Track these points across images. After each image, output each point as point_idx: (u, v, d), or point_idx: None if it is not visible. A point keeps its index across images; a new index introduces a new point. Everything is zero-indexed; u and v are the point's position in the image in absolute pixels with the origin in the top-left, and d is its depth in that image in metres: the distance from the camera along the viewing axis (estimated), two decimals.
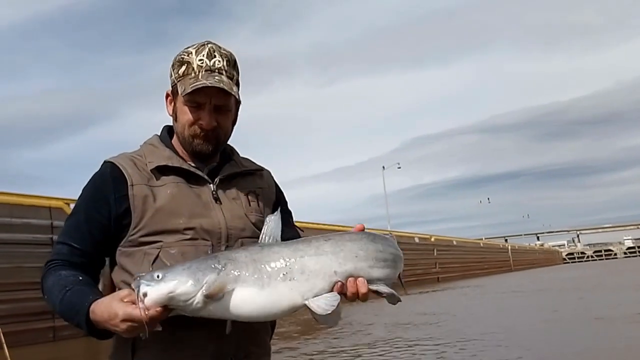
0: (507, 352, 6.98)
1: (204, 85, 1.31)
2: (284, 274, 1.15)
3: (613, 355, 6.31)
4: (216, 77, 1.33)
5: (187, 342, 1.28)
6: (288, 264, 1.16)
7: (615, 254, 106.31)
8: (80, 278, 1.29)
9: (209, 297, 1.12)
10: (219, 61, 1.35)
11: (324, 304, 1.14)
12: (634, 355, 6.25)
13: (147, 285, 1.10)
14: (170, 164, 1.36)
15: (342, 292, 1.19)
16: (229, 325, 1.23)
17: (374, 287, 1.22)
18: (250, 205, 1.43)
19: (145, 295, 1.10)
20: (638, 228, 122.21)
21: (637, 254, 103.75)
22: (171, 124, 1.47)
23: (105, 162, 1.39)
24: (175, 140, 1.45)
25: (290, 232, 1.45)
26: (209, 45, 1.37)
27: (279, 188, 1.57)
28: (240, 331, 1.29)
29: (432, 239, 39.65)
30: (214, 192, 1.38)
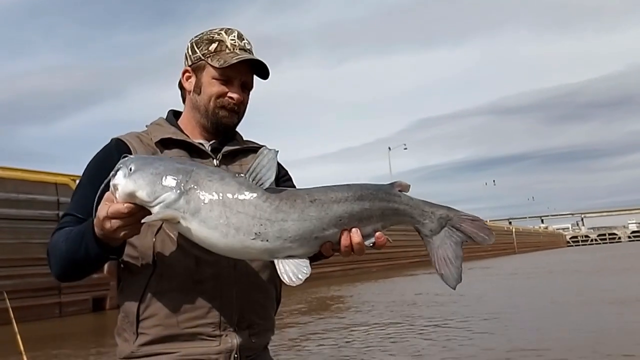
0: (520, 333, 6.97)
1: (250, 58, 1.40)
2: (256, 234, 1.06)
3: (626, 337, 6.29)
4: (250, 55, 1.42)
5: (189, 310, 1.29)
6: (264, 225, 1.06)
7: (620, 238, 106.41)
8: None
9: (165, 220, 1.10)
10: (248, 44, 1.46)
11: (293, 270, 1.07)
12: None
13: (121, 175, 1.10)
14: (174, 137, 1.41)
15: (333, 250, 1.14)
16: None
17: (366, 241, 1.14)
18: None
19: (116, 188, 1.10)
20: None
21: None
22: (175, 108, 1.52)
23: (112, 139, 1.44)
24: (182, 121, 1.49)
25: None
26: (235, 30, 1.46)
27: (282, 166, 1.57)
28: (245, 302, 1.32)
29: None
30: (216, 167, 1.41)
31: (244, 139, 1.56)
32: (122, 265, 1.36)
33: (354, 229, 1.13)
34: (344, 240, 1.13)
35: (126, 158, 1.14)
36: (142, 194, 1.08)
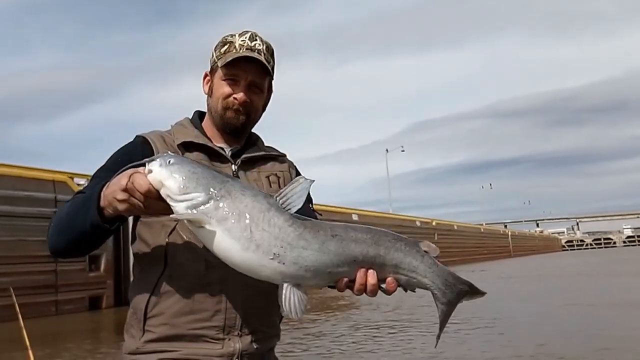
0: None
1: (241, 55, 1.39)
2: (275, 254, 1.08)
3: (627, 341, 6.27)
4: (255, 54, 1.41)
5: (196, 311, 1.31)
6: (284, 247, 1.09)
7: (615, 243, 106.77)
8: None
9: (189, 221, 1.11)
10: (259, 44, 1.44)
11: (295, 302, 1.09)
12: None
13: (158, 164, 1.12)
14: (195, 141, 1.42)
15: (347, 287, 1.15)
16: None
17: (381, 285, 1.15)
18: (271, 187, 1.47)
19: (150, 171, 1.12)
20: (638, 217, 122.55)
21: (637, 243, 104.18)
22: (201, 109, 1.54)
23: (137, 136, 1.46)
24: (205, 123, 1.51)
25: (311, 215, 1.48)
26: (251, 31, 1.46)
27: (299, 173, 1.60)
28: (250, 308, 1.34)
29: (434, 223, 39.81)
30: (234, 172, 1.42)
31: (266, 144, 1.57)
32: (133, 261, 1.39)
33: (370, 270, 1.14)
34: (360, 279, 1.14)
35: (166, 153, 1.17)
36: (173, 185, 1.09)
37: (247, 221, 1.08)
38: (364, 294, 1.16)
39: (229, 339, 1.32)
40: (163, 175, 1.10)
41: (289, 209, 1.12)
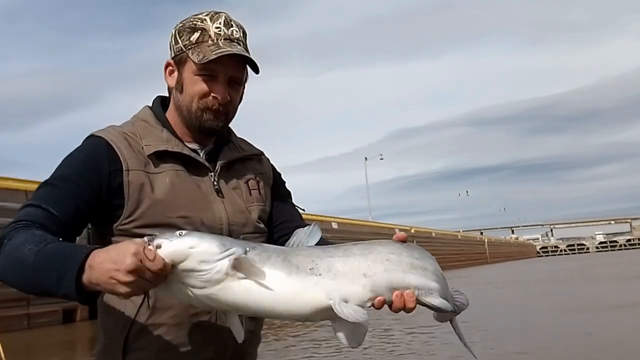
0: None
1: (229, 52, 1.22)
2: (310, 269, 1.08)
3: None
4: (238, 47, 1.25)
5: (183, 345, 1.21)
6: (315, 261, 1.10)
7: (588, 248, 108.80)
8: (63, 241, 1.09)
9: (235, 269, 1.01)
10: (237, 31, 1.27)
11: (351, 310, 1.06)
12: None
13: (167, 239, 0.99)
14: (170, 149, 1.25)
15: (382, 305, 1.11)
16: (239, 330, 1.13)
17: (424, 300, 1.15)
18: (251, 194, 1.36)
19: (159, 247, 0.98)
20: (609, 223, 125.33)
21: (609, 248, 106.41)
22: (163, 94, 1.37)
23: (95, 136, 1.25)
24: (170, 114, 1.33)
25: (292, 211, 1.45)
26: (223, 14, 1.28)
27: (276, 170, 1.50)
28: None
29: (412, 231, 40.09)
30: (215, 183, 1.30)
31: (237, 136, 1.43)
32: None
33: (407, 292, 1.11)
34: (397, 302, 1.11)
35: (167, 232, 1.03)
36: (210, 246, 1.02)
37: (283, 254, 1.09)
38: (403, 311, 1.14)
39: None
40: (187, 243, 1.00)
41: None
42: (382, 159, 46.13)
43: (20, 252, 1.04)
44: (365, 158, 44.74)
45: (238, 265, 1.01)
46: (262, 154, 1.46)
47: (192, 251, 1.00)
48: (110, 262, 0.96)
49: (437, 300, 1.17)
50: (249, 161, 1.40)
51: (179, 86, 1.28)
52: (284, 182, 1.51)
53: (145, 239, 0.99)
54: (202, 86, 1.25)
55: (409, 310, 1.13)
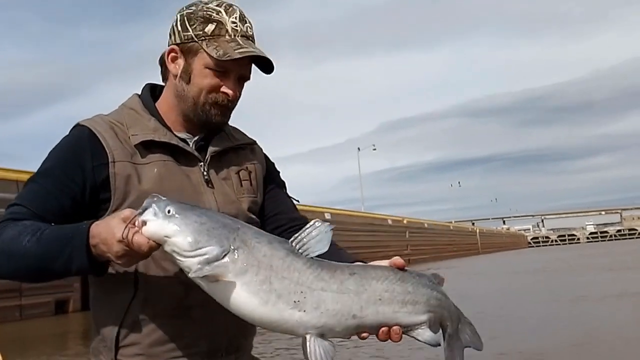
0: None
1: (254, 54, 1.21)
2: (295, 302, 1.01)
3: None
4: (255, 46, 1.24)
5: (176, 338, 1.19)
6: (303, 292, 1.02)
7: (579, 239, 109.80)
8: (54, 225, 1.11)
9: (202, 276, 0.99)
10: (250, 28, 1.26)
11: (322, 351, 1.02)
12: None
13: (152, 213, 0.99)
14: (157, 139, 1.22)
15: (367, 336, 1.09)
16: None
17: (411, 335, 1.11)
18: (242, 185, 1.33)
19: (144, 223, 0.99)
20: (600, 214, 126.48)
21: (599, 239, 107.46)
22: (153, 82, 1.34)
23: (80, 125, 1.23)
24: (163, 102, 1.29)
25: (286, 202, 1.43)
26: (237, 8, 1.25)
27: (269, 160, 1.46)
28: (235, 327, 1.21)
29: (405, 222, 40.19)
30: (204, 173, 1.27)
31: (230, 125, 1.38)
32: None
33: (395, 328, 1.07)
34: (382, 337, 1.08)
35: (157, 198, 1.01)
36: (182, 241, 0.98)
37: (267, 272, 1.00)
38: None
39: None
40: (167, 229, 0.98)
41: (307, 255, 1.05)
42: (375, 149, 46.17)
43: (18, 245, 1.07)
44: (358, 149, 44.82)
45: (207, 269, 0.98)
46: (254, 143, 1.43)
47: (167, 240, 0.99)
48: (102, 237, 1.02)
49: (424, 336, 1.11)
50: (241, 151, 1.37)
51: (185, 76, 1.24)
52: (278, 172, 1.48)
53: (144, 204, 1.01)
54: (214, 81, 1.22)
55: (396, 339, 1.10)
